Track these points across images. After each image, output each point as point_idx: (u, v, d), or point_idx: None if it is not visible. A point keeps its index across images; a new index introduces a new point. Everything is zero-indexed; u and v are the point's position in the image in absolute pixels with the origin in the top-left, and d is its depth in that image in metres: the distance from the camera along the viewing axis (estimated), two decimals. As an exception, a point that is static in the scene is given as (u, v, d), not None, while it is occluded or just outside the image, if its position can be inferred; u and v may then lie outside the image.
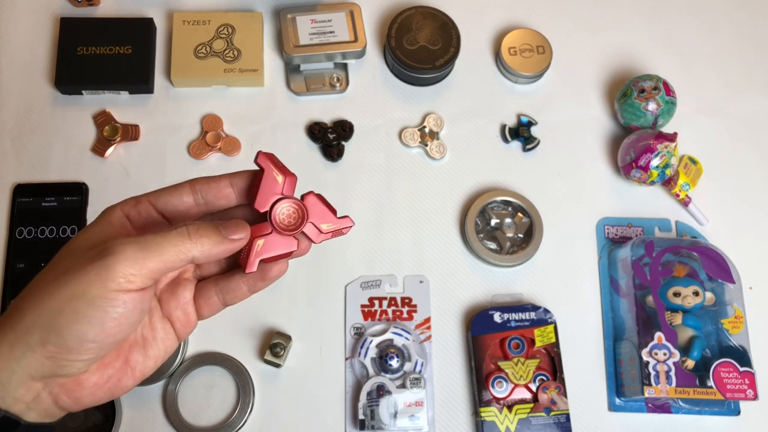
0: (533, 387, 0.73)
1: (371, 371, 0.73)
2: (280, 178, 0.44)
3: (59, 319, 0.38)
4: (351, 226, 0.46)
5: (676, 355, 0.70)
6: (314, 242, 0.46)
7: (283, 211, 0.44)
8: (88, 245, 0.41)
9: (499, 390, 0.72)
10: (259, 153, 0.45)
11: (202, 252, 0.41)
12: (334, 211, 0.46)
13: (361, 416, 0.72)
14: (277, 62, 0.86)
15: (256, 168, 0.45)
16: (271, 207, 0.44)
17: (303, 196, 0.45)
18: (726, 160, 0.85)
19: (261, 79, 0.84)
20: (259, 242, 0.44)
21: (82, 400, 0.41)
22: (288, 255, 0.45)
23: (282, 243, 0.44)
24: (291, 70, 0.85)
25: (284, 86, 0.85)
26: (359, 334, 0.76)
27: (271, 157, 0.45)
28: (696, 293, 0.72)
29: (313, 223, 0.45)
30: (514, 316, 0.75)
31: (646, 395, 0.69)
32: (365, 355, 0.74)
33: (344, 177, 0.82)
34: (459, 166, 0.83)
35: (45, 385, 0.40)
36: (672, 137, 0.77)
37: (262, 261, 0.44)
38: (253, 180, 0.45)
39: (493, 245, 0.80)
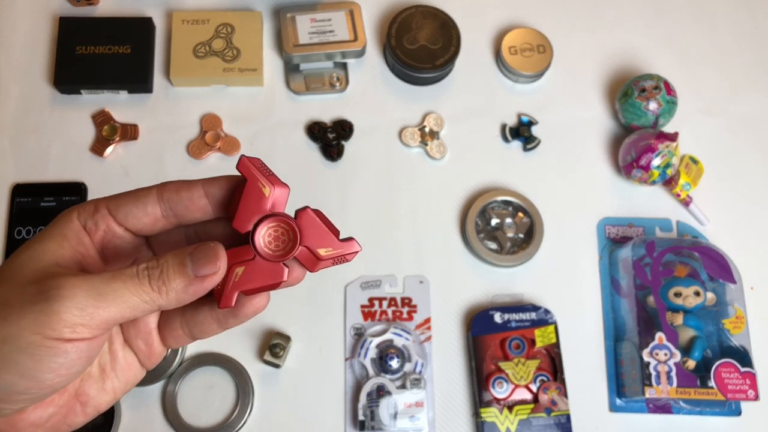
0: (534, 387, 0.73)
1: (371, 372, 0.73)
2: (267, 189, 0.35)
3: None
4: (357, 252, 0.37)
5: (677, 356, 0.70)
6: (310, 271, 0.37)
7: (270, 233, 0.35)
8: (35, 268, 0.34)
9: (500, 390, 0.72)
10: (241, 158, 0.35)
11: (169, 302, 0.34)
12: (336, 233, 0.36)
13: (361, 417, 0.72)
14: (277, 62, 0.86)
15: (238, 174, 0.36)
16: (255, 227, 0.35)
17: (297, 213, 0.36)
18: (727, 160, 0.85)
19: (260, 79, 0.84)
20: (238, 270, 0.35)
21: None
22: (275, 286, 0.36)
23: (267, 272, 0.35)
24: (290, 69, 0.85)
25: (284, 86, 0.85)
26: (359, 335, 0.75)
27: (256, 163, 0.35)
28: (697, 293, 0.72)
29: (308, 248, 0.36)
30: (515, 316, 0.75)
31: (647, 396, 0.69)
32: (365, 356, 0.74)
33: (344, 177, 0.82)
34: (459, 165, 0.83)
35: None
36: (673, 137, 0.77)
37: (242, 293, 0.35)
38: (234, 190, 0.36)
39: (493, 245, 0.80)
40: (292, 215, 0.36)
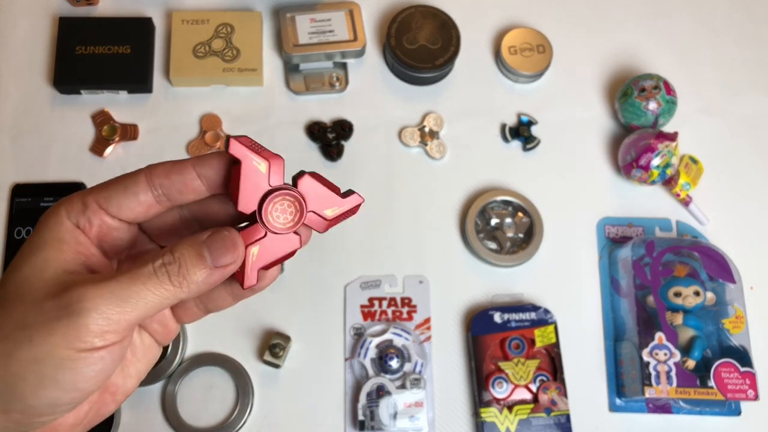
0: (533, 387, 0.73)
1: (371, 372, 0.73)
2: (263, 166, 0.35)
3: (21, 385, 0.32)
4: (360, 203, 0.38)
5: (677, 356, 0.70)
6: (320, 232, 0.38)
7: (276, 207, 0.35)
8: (45, 283, 0.33)
9: (500, 390, 0.72)
10: (229, 140, 0.35)
11: (190, 293, 0.34)
12: (337, 190, 0.37)
13: (360, 417, 0.72)
14: (277, 61, 0.86)
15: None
16: (260, 206, 0.35)
17: (296, 181, 0.37)
18: (727, 160, 0.85)
19: (260, 79, 0.84)
20: (254, 250, 0.35)
21: None
22: (291, 255, 0.37)
23: (281, 244, 0.36)
24: (290, 69, 0.85)
25: (283, 85, 0.85)
26: (359, 335, 0.75)
27: (246, 142, 0.35)
28: (697, 293, 0.72)
29: (314, 212, 0.37)
30: (515, 316, 0.75)
31: (647, 396, 0.69)
32: (365, 356, 0.74)
33: (344, 177, 0.82)
34: (459, 165, 0.83)
35: None
36: (673, 137, 0.77)
37: (261, 270, 0.36)
38: (229, 171, 0.36)
39: (493, 245, 0.80)
40: (293, 184, 0.36)
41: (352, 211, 0.38)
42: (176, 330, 0.40)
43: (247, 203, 0.35)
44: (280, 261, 0.37)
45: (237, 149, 0.35)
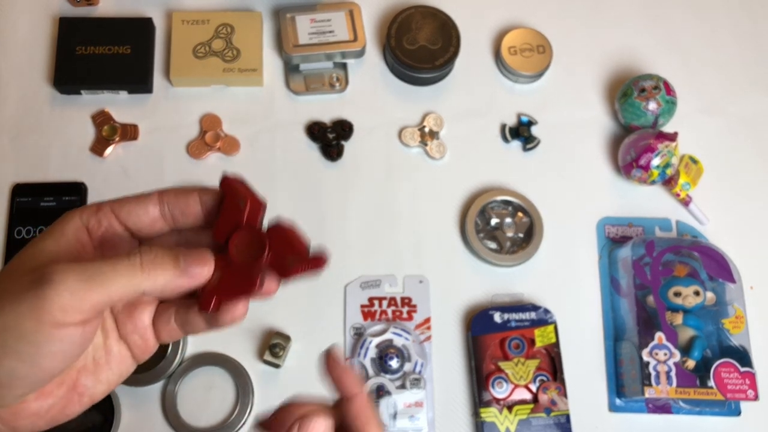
0: (533, 387, 0.73)
1: (371, 371, 0.73)
2: (242, 202, 0.38)
3: None
4: (324, 264, 0.39)
5: (677, 356, 0.70)
6: (282, 278, 0.39)
7: (243, 242, 0.38)
8: (33, 263, 0.36)
9: (499, 390, 0.72)
10: (223, 176, 0.39)
11: (155, 286, 0.36)
12: (305, 245, 0.39)
13: (360, 417, 0.72)
14: (277, 62, 0.86)
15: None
16: (230, 237, 0.38)
17: (269, 227, 0.39)
18: (727, 160, 0.85)
19: (260, 79, 0.84)
20: (216, 276, 0.38)
21: (20, 430, 0.37)
22: (248, 294, 0.39)
23: (241, 281, 0.38)
24: (290, 69, 0.85)
25: (283, 86, 0.85)
26: (359, 335, 0.75)
27: (236, 182, 0.39)
28: (697, 293, 0.72)
29: (276, 259, 0.39)
30: (514, 316, 0.75)
31: (647, 396, 0.69)
32: (365, 356, 0.74)
33: (344, 177, 0.82)
34: (459, 165, 0.83)
35: None
36: (672, 137, 0.77)
37: (220, 299, 0.38)
38: (220, 203, 0.39)
39: (493, 245, 0.80)
40: (265, 229, 0.39)
41: (314, 265, 0.39)
42: (154, 347, 0.41)
43: (221, 233, 0.38)
44: (238, 296, 0.38)
45: (226, 185, 0.39)
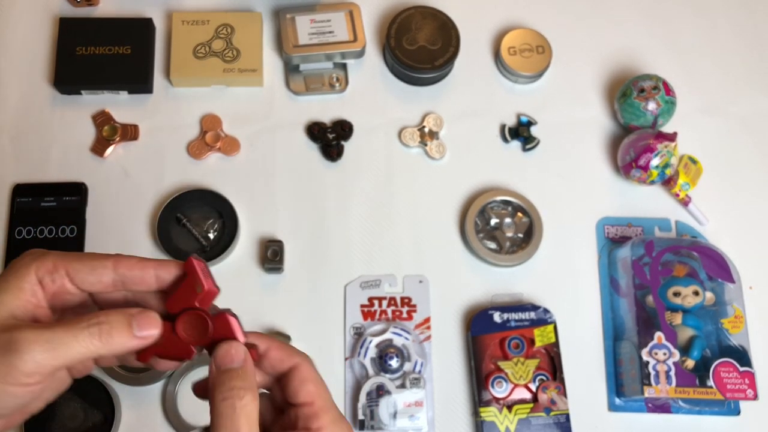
0: (533, 387, 0.73)
1: (371, 371, 0.73)
2: (199, 288, 0.43)
3: None
4: (257, 358, 0.44)
5: (676, 355, 0.70)
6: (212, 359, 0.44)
7: (190, 322, 0.43)
8: None
9: (499, 390, 0.72)
10: (189, 258, 0.43)
11: (110, 351, 0.40)
12: (243, 338, 0.44)
13: (360, 416, 0.72)
14: (277, 62, 0.86)
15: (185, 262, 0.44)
16: (179, 313, 0.43)
17: (216, 314, 0.43)
18: (726, 160, 0.85)
19: (260, 79, 0.84)
20: (160, 338, 0.43)
21: None
22: (181, 360, 0.44)
23: (179, 348, 0.43)
24: (290, 69, 0.85)
25: (283, 86, 0.85)
26: (359, 334, 0.75)
27: (200, 266, 0.43)
28: (696, 293, 0.72)
29: (215, 341, 0.43)
30: (514, 316, 0.75)
31: (646, 395, 0.69)
32: (365, 355, 0.74)
33: (344, 177, 0.82)
34: (459, 165, 0.83)
35: None
36: (672, 137, 0.77)
37: (157, 355, 0.43)
38: (178, 277, 0.44)
39: (492, 245, 0.80)
40: (213, 313, 0.43)
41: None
42: (92, 369, 0.45)
43: (174, 306, 0.43)
44: (173, 359, 0.44)
45: (190, 266, 0.43)
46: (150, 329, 0.41)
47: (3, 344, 0.37)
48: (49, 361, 0.38)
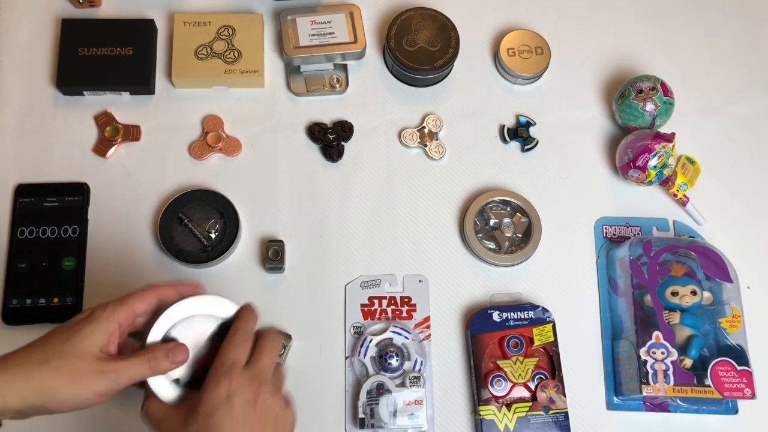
0: (532, 386, 0.73)
1: (371, 370, 0.74)
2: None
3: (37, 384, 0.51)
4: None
5: (674, 354, 0.70)
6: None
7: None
8: (93, 353, 0.52)
9: (498, 389, 0.73)
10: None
11: (156, 374, 0.54)
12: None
13: (360, 415, 0.72)
14: (278, 63, 0.87)
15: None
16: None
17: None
18: (724, 160, 0.86)
19: (261, 80, 0.84)
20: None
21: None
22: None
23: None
24: (291, 71, 0.86)
25: (284, 87, 0.86)
26: (359, 333, 0.76)
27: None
28: (694, 292, 0.73)
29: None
30: (513, 315, 0.75)
31: (645, 394, 0.69)
32: (365, 354, 0.74)
33: (344, 177, 0.83)
34: (458, 166, 0.84)
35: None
36: (670, 137, 0.78)
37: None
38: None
39: (491, 245, 0.80)
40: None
41: None
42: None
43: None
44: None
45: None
46: (181, 354, 0.55)
47: (100, 370, 0.52)
48: (115, 386, 0.53)
